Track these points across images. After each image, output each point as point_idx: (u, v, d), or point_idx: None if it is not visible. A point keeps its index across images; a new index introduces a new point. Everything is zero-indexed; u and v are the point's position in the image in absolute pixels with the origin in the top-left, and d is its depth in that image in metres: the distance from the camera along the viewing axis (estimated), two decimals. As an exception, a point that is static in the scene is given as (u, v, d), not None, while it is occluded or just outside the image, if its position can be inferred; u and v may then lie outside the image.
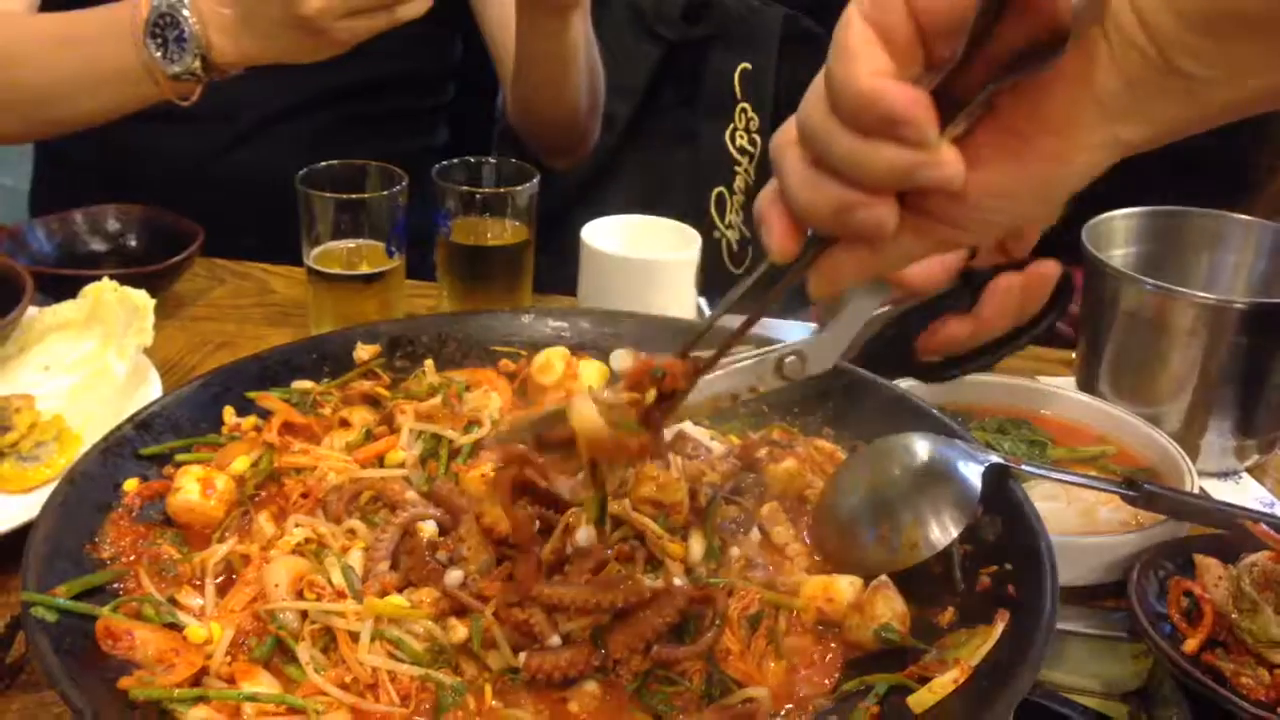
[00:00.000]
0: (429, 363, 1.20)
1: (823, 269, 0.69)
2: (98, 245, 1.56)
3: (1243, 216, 1.33)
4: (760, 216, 0.70)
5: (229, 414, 1.11)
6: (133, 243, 1.57)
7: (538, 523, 0.94)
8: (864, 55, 0.60)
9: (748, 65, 2.16)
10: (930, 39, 0.60)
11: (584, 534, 0.91)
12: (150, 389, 1.22)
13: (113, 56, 1.44)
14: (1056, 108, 0.61)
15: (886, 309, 0.91)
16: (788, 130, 0.66)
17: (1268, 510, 1.17)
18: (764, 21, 2.18)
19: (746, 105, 2.17)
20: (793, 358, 0.87)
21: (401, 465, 1.06)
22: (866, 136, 0.61)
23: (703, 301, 1.52)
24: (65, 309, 1.31)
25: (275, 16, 1.33)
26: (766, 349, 0.88)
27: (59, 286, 1.37)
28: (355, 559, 0.94)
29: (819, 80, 0.63)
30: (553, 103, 1.73)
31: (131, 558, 0.94)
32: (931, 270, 0.83)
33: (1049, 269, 0.88)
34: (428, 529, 0.97)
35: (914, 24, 0.60)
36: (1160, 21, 0.58)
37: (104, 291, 1.29)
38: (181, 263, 1.48)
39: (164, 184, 1.67)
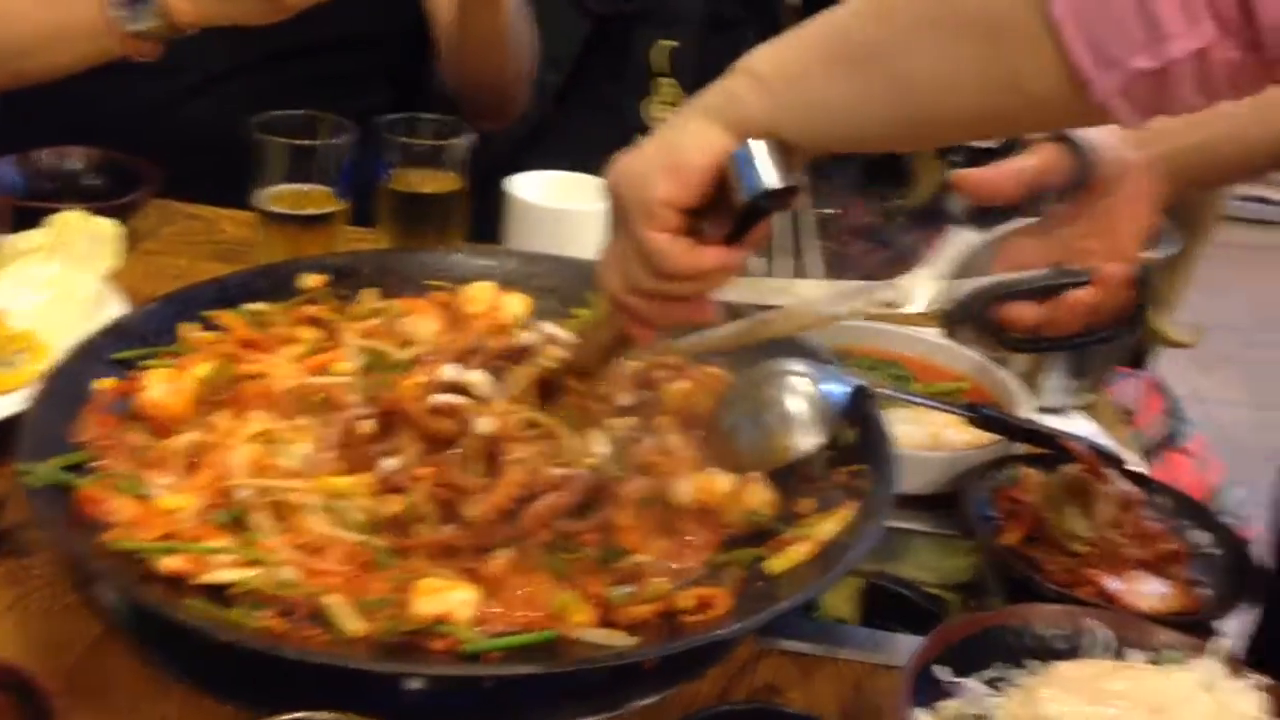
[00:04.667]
0: (369, 291, 1.35)
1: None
2: (60, 183, 1.69)
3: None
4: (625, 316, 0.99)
5: (189, 329, 1.25)
6: (94, 182, 1.70)
7: (462, 425, 1.10)
8: (671, 250, 0.89)
9: (673, 42, 2.32)
10: (695, 209, 0.90)
11: (484, 422, 1.07)
12: (114, 309, 1.36)
13: (79, 14, 1.56)
14: None
15: (985, 281, 1.03)
16: (615, 275, 0.95)
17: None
18: (690, 2, 2.35)
19: (670, 80, 2.33)
20: (892, 291, 1.04)
21: (345, 375, 1.21)
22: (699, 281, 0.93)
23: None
24: (34, 236, 1.44)
25: None
26: (871, 283, 1.06)
27: (24, 218, 1.50)
28: (305, 449, 1.09)
29: (629, 255, 0.93)
30: (484, 70, 1.88)
31: (107, 443, 1.09)
32: (1001, 184, 1.04)
33: (1119, 268, 1.02)
34: (367, 427, 1.12)
35: (680, 213, 0.89)
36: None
37: (71, 220, 1.43)
38: (141, 198, 1.62)
39: (117, 134, 1.78)
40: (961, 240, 1.05)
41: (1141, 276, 1.04)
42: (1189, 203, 1.82)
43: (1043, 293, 1.02)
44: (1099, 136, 1.04)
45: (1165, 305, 1.82)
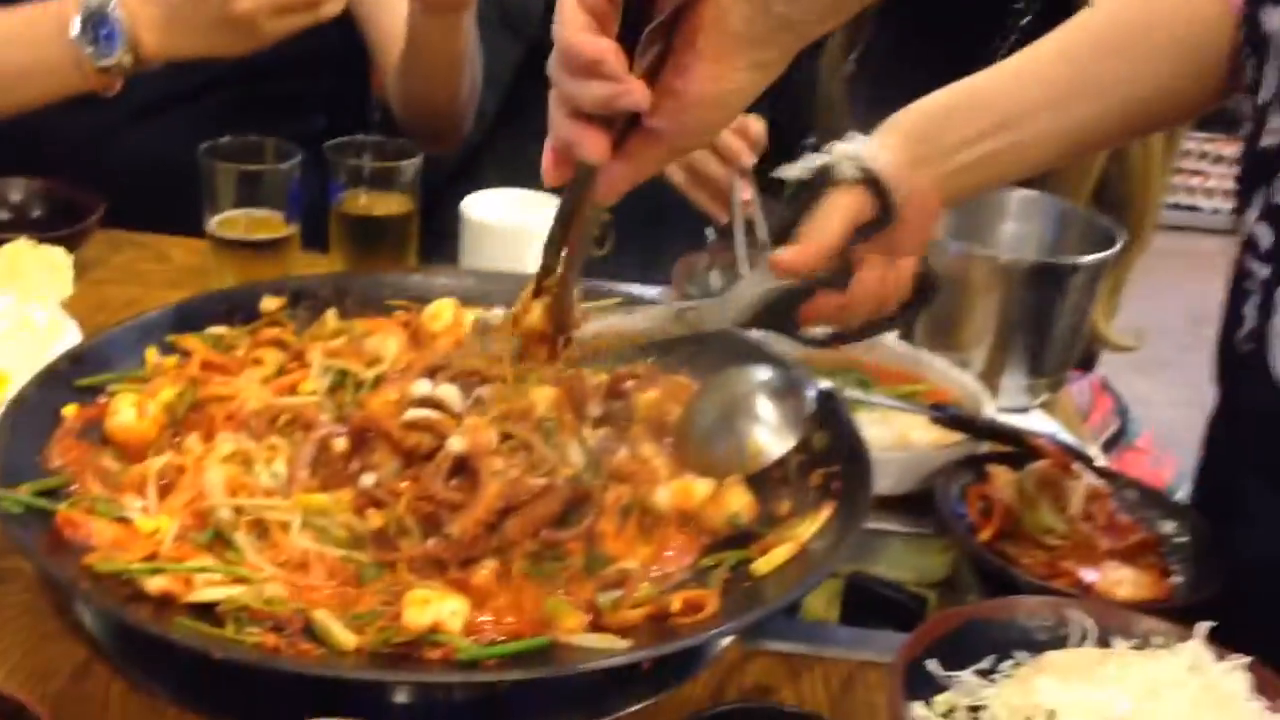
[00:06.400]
0: (330, 312, 1.34)
1: (601, 185, 0.89)
2: (2, 214, 1.65)
3: (1032, 192, 1.55)
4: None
5: (152, 353, 1.23)
6: (36, 213, 1.67)
7: (438, 439, 1.10)
8: (569, 19, 0.82)
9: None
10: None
11: (454, 442, 1.07)
12: (70, 337, 1.33)
13: (46, 53, 1.54)
14: (708, 45, 0.83)
15: (779, 285, 1.09)
16: None
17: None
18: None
19: (607, 100, 2.34)
20: (693, 312, 1.09)
21: (313, 394, 1.20)
22: (580, 77, 0.82)
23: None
24: (-18, 267, 1.42)
25: (207, 15, 1.45)
26: (676, 304, 1.11)
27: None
28: (279, 468, 1.08)
29: None
30: (437, 94, 1.87)
31: (78, 468, 1.07)
32: (807, 258, 1.05)
33: (907, 265, 1.10)
34: (341, 444, 1.11)
35: None
36: None
37: (21, 250, 1.40)
38: (88, 228, 1.59)
39: (56, 164, 1.75)
40: (757, 279, 1.11)
41: (925, 269, 1.12)
42: (1127, 208, 1.86)
43: (832, 286, 1.09)
44: (889, 168, 1.07)
45: (1108, 309, 1.86)
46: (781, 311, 1.11)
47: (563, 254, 0.99)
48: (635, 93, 0.83)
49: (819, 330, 1.14)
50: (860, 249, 1.09)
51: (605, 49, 0.81)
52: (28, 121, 1.71)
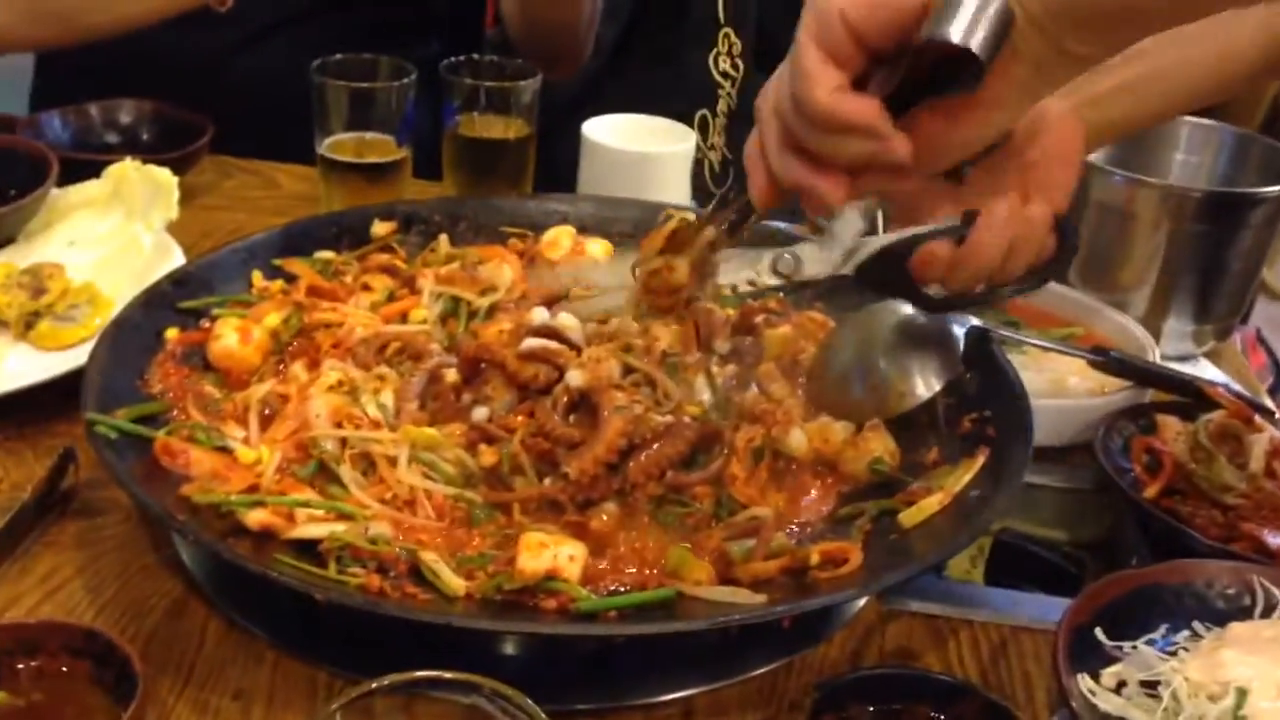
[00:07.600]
0: (443, 237, 1.27)
1: (815, 205, 0.82)
2: (111, 137, 1.61)
3: (1205, 120, 1.41)
4: (747, 164, 0.85)
5: (257, 277, 1.17)
6: (145, 135, 1.62)
7: (555, 371, 1.02)
8: (818, 75, 0.74)
9: (730, -8, 2.23)
10: (870, 47, 0.74)
11: (574, 375, 0.99)
12: (175, 261, 1.28)
13: None
14: (987, 92, 0.75)
15: (891, 236, 0.95)
16: (768, 97, 0.80)
17: (1222, 386, 1.26)
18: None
19: (729, 30, 2.24)
20: (788, 257, 0.97)
21: (423, 322, 1.13)
22: (834, 134, 0.76)
23: (693, 205, 1.60)
24: (89, 188, 1.37)
25: None
26: (764, 249, 0.97)
27: (77, 171, 1.42)
28: (387, 399, 1.01)
29: (785, 75, 0.77)
30: (559, 15, 1.79)
31: (178, 394, 1.02)
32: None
33: (1040, 215, 0.91)
34: (451, 375, 1.04)
35: (853, 39, 0.73)
36: (1050, 25, 0.73)
37: (127, 171, 1.35)
38: (195, 152, 1.54)
39: (165, 87, 1.71)
40: (857, 217, 0.98)
41: (1064, 221, 0.94)
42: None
43: (955, 237, 0.91)
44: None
45: (1270, 253, 1.71)
46: (895, 265, 0.94)
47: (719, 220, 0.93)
48: (900, 150, 0.76)
49: (937, 290, 0.96)
50: (982, 183, 0.93)
51: (873, 113, 0.75)
52: (142, 44, 1.67)
